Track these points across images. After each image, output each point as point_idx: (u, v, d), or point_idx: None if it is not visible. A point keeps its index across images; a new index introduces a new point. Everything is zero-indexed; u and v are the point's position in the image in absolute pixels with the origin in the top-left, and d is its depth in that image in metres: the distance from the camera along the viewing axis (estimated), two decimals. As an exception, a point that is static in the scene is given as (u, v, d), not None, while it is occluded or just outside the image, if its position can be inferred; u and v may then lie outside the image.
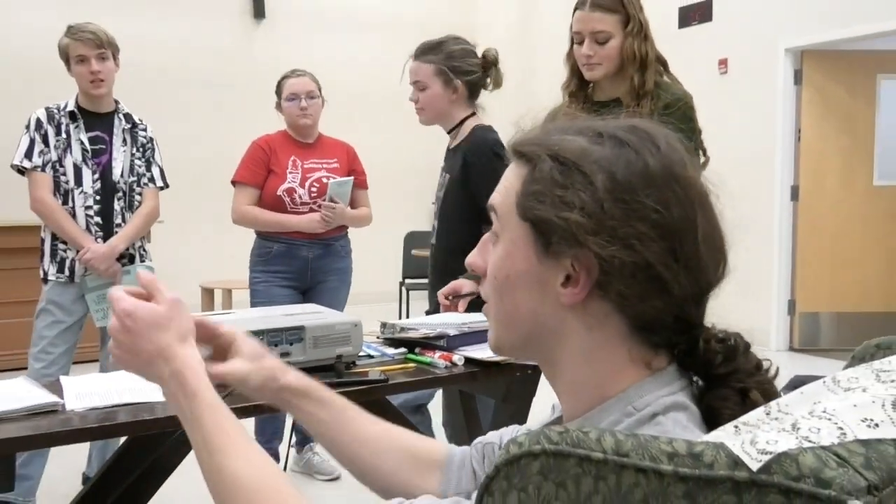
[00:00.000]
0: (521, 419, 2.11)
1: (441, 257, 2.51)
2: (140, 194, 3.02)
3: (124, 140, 2.98)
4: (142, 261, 3.05)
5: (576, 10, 2.27)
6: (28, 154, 2.85)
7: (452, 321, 2.00)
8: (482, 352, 1.86)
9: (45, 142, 2.86)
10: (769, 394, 0.74)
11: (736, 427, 0.63)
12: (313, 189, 3.16)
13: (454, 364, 1.83)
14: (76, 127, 2.89)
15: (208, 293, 5.78)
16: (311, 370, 1.44)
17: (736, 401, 0.73)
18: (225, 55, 7.32)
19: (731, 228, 0.77)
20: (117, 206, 2.95)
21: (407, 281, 6.51)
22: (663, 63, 2.30)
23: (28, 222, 3.68)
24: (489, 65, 2.49)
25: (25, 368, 2.84)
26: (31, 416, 1.44)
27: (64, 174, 2.87)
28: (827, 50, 5.69)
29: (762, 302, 5.80)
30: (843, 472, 0.51)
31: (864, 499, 0.50)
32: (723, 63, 6.08)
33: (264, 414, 2.17)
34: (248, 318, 1.74)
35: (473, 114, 2.52)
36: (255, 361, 1.00)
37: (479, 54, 2.51)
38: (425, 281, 6.65)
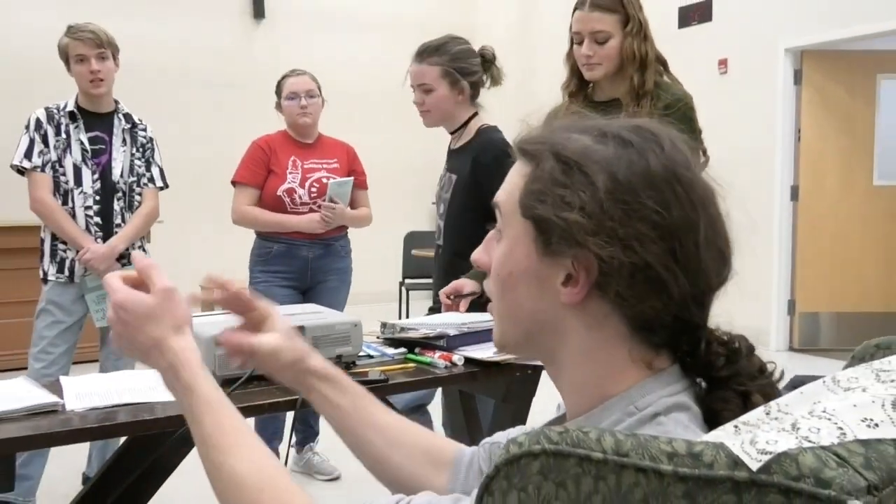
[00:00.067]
0: (521, 419, 2.11)
1: (448, 258, 2.47)
2: (140, 194, 3.02)
3: (124, 140, 2.98)
4: (142, 261, 3.05)
5: (575, 10, 2.27)
6: (28, 154, 2.85)
7: (452, 321, 2.00)
8: (482, 352, 1.87)
9: (45, 142, 2.86)
10: (771, 397, 0.74)
11: (736, 427, 0.63)
12: (313, 189, 3.16)
13: (454, 364, 1.83)
14: (76, 127, 2.89)
15: (208, 293, 5.77)
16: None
17: (737, 404, 0.73)
18: (225, 55, 7.32)
19: (736, 229, 0.77)
20: (117, 206, 2.95)
21: (407, 281, 6.51)
22: (663, 63, 2.30)
23: (28, 222, 3.68)
24: (487, 63, 2.49)
25: (25, 368, 2.84)
26: (31, 416, 1.44)
27: (63, 174, 2.87)
28: (827, 50, 5.69)
29: (762, 302, 5.80)
30: (843, 472, 0.51)
31: (864, 499, 0.50)
32: (722, 63, 6.08)
33: (264, 414, 2.17)
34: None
35: (476, 114, 2.51)
36: (287, 339, 1.02)
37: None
38: (425, 281, 6.64)
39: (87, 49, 2.85)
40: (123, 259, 2.96)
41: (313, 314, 1.84)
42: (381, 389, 1.73)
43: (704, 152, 2.23)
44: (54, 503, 2.92)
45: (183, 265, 6.19)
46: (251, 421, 3.03)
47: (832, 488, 0.50)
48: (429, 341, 1.92)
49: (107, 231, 2.93)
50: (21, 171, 2.88)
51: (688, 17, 6.32)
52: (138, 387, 1.59)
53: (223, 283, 1.01)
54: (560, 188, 0.73)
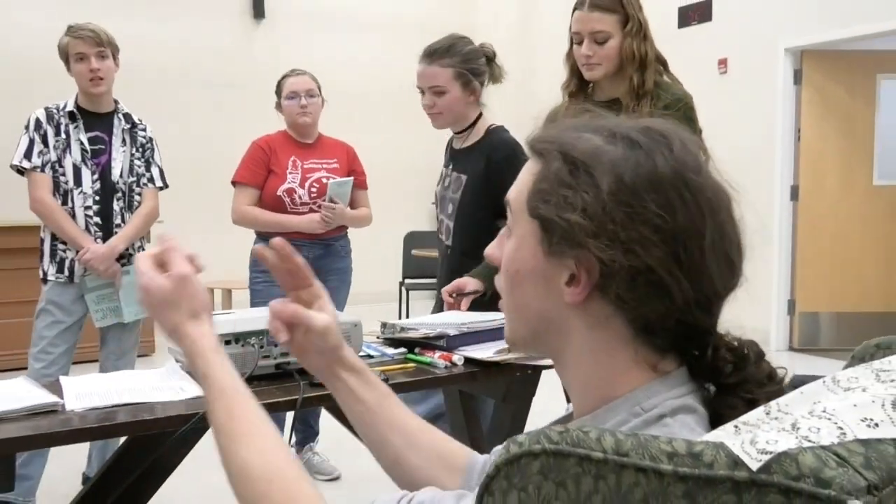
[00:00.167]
0: (521, 419, 2.11)
1: (457, 258, 2.45)
2: (139, 194, 3.02)
3: (124, 140, 2.98)
4: (142, 261, 3.05)
5: (575, 10, 2.27)
6: (27, 154, 2.85)
7: (452, 321, 2.00)
8: (482, 352, 1.86)
9: (45, 142, 2.86)
10: None
11: (736, 427, 0.63)
12: (313, 189, 3.16)
13: (454, 364, 1.83)
14: (76, 127, 2.89)
15: (208, 293, 5.78)
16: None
17: (744, 411, 0.73)
18: (225, 55, 7.32)
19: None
20: (117, 206, 2.95)
21: (407, 281, 6.51)
22: (663, 63, 2.30)
23: (28, 222, 3.68)
24: (488, 60, 2.48)
25: (25, 368, 2.84)
26: (31, 416, 1.44)
27: (63, 174, 2.87)
28: (827, 50, 5.69)
29: (762, 302, 5.80)
30: (843, 471, 0.51)
31: (864, 498, 0.50)
32: (722, 63, 6.08)
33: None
34: (249, 318, 1.73)
35: (481, 113, 2.50)
36: (336, 323, 1.03)
37: None
38: (425, 281, 6.62)
39: (86, 47, 2.85)
40: (123, 259, 2.96)
41: (313, 314, 1.84)
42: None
43: (705, 152, 2.22)
44: (54, 503, 2.92)
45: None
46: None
47: (832, 488, 0.50)
48: (429, 341, 1.92)
49: (106, 231, 2.92)
50: (21, 171, 2.88)
51: (688, 17, 6.32)
52: (138, 387, 1.59)
53: (289, 253, 1.00)
54: (565, 189, 0.73)
